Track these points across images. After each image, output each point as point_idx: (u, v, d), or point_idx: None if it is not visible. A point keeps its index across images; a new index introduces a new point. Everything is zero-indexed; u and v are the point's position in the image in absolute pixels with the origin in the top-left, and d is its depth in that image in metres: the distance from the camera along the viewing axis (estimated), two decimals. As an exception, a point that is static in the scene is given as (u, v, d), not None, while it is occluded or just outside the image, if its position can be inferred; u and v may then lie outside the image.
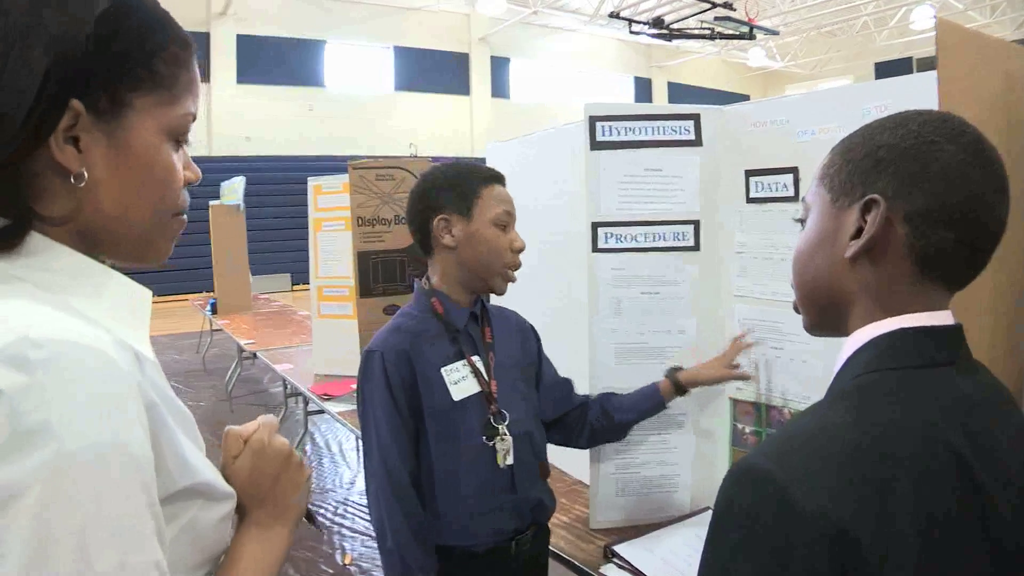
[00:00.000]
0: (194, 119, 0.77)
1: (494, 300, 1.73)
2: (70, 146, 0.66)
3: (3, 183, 0.64)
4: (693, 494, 1.95)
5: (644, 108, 1.86)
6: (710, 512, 1.83)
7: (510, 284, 1.59)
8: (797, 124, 1.70)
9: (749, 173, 1.82)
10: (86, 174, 0.67)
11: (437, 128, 16.00)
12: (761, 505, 0.67)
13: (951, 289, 0.79)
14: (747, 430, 1.88)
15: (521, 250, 1.57)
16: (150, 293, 0.75)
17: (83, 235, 0.69)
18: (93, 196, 0.68)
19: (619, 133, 1.83)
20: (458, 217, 1.55)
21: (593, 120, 1.83)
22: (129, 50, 0.68)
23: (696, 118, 1.86)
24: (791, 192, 1.73)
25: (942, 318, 0.77)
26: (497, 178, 1.60)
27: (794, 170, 1.72)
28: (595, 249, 1.84)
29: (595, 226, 1.84)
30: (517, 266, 1.59)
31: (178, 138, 0.75)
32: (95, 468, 0.57)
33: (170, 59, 0.72)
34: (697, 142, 1.86)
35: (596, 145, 1.83)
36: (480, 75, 16.77)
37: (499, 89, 17.07)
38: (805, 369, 1.73)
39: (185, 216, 0.79)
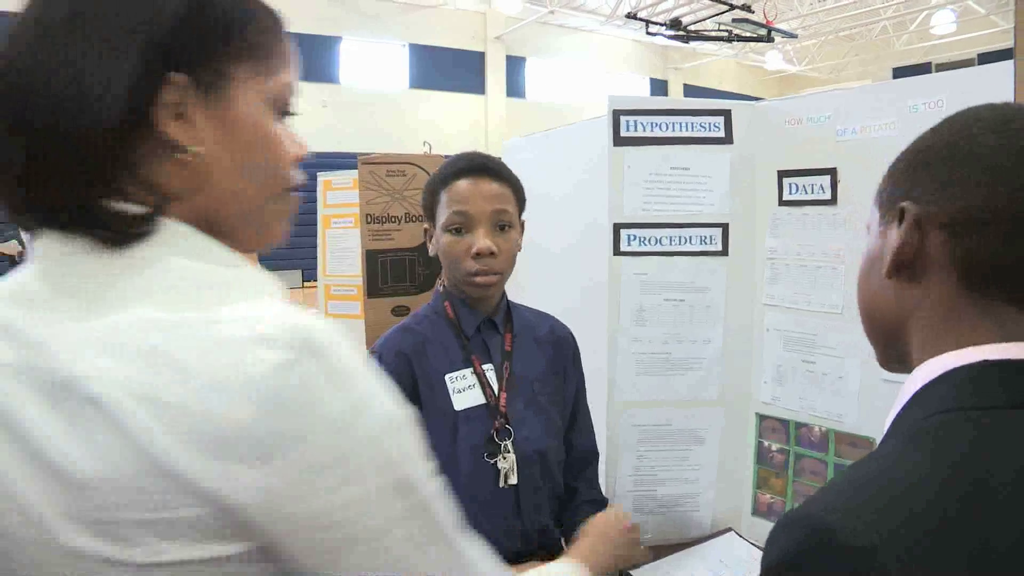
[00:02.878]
0: (294, 91, 0.76)
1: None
2: (180, 121, 0.64)
3: (122, 166, 0.63)
4: (715, 514, 1.85)
5: (672, 103, 1.77)
6: (733, 534, 1.81)
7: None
8: (837, 122, 1.60)
9: (782, 174, 1.72)
10: (198, 149, 0.65)
11: (452, 126, 15.89)
12: (820, 572, 0.55)
13: None
14: (774, 447, 1.78)
15: (483, 253, 1.42)
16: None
17: (200, 220, 0.68)
18: (206, 173, 0.67)
19: (644, 128, 1.74)
20: (431, 224, 1.47)
21: (617, 114, 1.73)
22: (221, 19, 0.68)
23: (727, 114, 1.76)
24: (828, 195, 1.63)
25: None
26: (458, 173, 1.45)
27: (832, 171, 1.62)
28: (617, 252, 1.74)
29: (617, 227, 1.74)
30: (481, 272, 1.43)
31: (283, 110, 0.74)
32: (402, 425, 0.65)
33: (262, 28, 0.71)
34: (728, 140, 1.76)
35: (620, 141, 1.73)
36: (495, 74, 16.60)
37: (514, 88, 16.88)
38: (840, 385, 1.63)
39: (298, 195, 0.79)
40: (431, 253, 1.49)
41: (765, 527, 1.76)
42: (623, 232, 1.74)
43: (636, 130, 1.73)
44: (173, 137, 0.64)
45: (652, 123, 1.74)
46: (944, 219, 0.67)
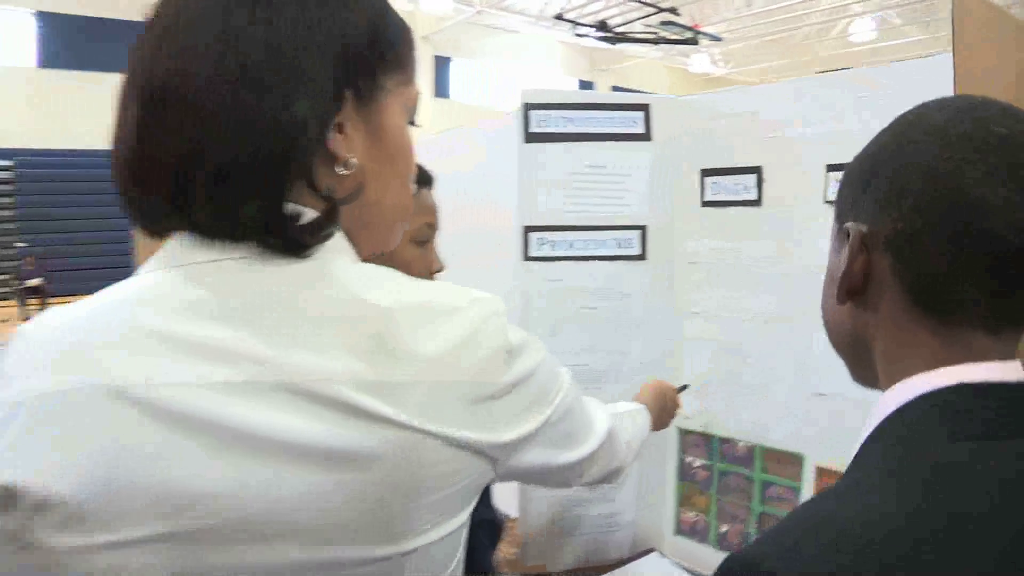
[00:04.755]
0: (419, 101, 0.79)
1: None
2: (340, 133, 0.66)
3: (303, 178, 0.64)
4: (636, 535, 1.76)
5: (588, 96, 1.68)
6: (656, 555, 1.71)
7: None
8: (764, 118, 1.52)
9: (705, 173, 1.63)
10: (354, 159, 0.67)
11: None
12: None
13: (998, 330, 0.58)
14: (696, 463, 1.71)
15: (438, 273, 1.36)
16: None
17: (345, 229, 0.70)
18: (361, 182, 0.69)
19: (558, 124, 1.63)
20: None
21: (528, 108, 1.62)
22: (391, 33, 0.71)
23: (646, 109, 1.66)
24: (753, 195, 1.55)
25: (1012, 370, 0.56)
26: (424, 181, 1.37)
27: (757, 170, 1.54)
28: (527, 257, 1.63)
29: (527, 230, 1.63)
30: None
31: (412, 119, 0.76)
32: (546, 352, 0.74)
33: (407, 39, 0.74)
34: (647, 136, 1.66)
35: (531, 137, 1.62)
36: (423, 74, 16.22)
37: (441, 89, 16.96)
38: (768, 397, 1.55)
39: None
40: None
41: (689, 546, 1.71)
42: (533, 235, 1.63)
43: (549, 125, 1.62)
44: (333, 149, 0.65)
45: (566, 118, 1.63)
46: (889, 239, 0.60)
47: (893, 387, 0.61)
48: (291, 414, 0.57)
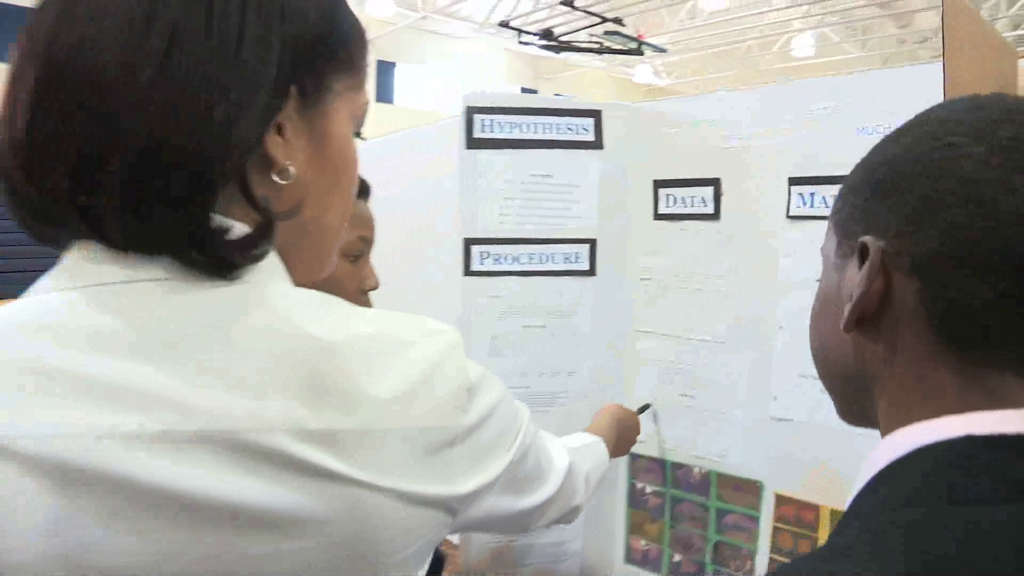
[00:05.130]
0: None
1: None
2: (278, 135, 0.57)
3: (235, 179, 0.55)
4: (585, 564, 1.69)
5: (535, 100, 1.60)
6: None
7: None
8: (723, 127, 1.45)
9: (659, 184, 1.56)
10: (292, 168, 0.58)
11: None
12: None
13: None
14: (648, 490, 1.64)
15: (372, 290, 1.28)
16: None
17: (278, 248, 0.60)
18: (299, 195, 0.60)
19: (503, 129, 1.54)
20: None
21: (471, 111, 1.53)
22: (344, 30, 0.63)
23: (597, 115, 1.58)
24: (710, 208, 1.48)
25: None
26: (359, 191, 1.26)
27: (715, 182, 1.47)
28: (468, 272, 1.55)
29: (468, 243, 1.54)
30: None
31: (357, 130, 0.68)
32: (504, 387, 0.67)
33: (359, 38, 0.66)
34: (597, 144, 1.59)
35: (473, 143, 1.53)
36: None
37: (383, 94, 17.03)
38: (723, 421, 1.49)
39: None
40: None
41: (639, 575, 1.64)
42: (475, 249, 1.55)
43: (493, 131, 1.53)
44: (272, 153, 0.56)
45: (511, 123, 1.55)
46: (919, 262, 0.50)
47: (892, 433, 0.52)
48: (219, 471, 0.49)
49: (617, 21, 12.39)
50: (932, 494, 0.46)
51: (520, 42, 13.49)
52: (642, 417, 1.51)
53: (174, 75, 0.50)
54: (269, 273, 0.57)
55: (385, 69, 17.03)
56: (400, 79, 17.39)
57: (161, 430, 0.48)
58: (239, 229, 0.55)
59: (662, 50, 14.29)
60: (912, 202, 0.51)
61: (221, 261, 0.53)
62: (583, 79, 20.22)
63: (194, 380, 0.49)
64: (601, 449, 1.18)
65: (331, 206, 0.64)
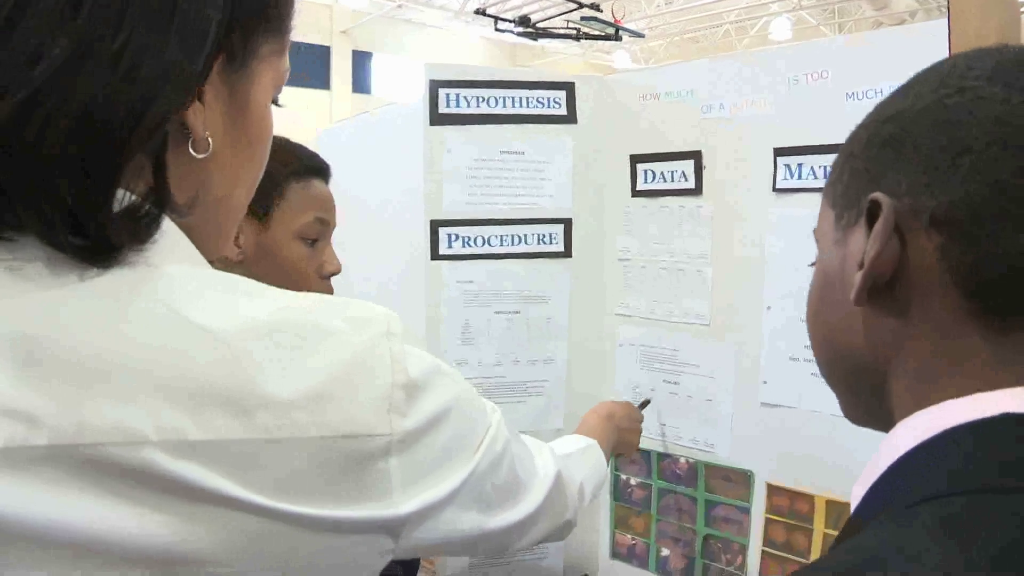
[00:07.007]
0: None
1: None
2: (198, 101, 0.50)
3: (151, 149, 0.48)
4: (568, 559, 1.65)
5: (503, 73, 1.56)
6: None
7: None
8: (703, 97, 1.42)
9: (636, 159, 1.52)
10: (209, 137, 0.51)
11: (293, 122, 15.91)
12: None
13: None
14: (633, 482, 1.60)
15: (333, 274, 1.22)
16: None
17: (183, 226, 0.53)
18: (210, 168, 0.53)
19: (469, 104, 1.48)
20: (249, 220, 1.15)
21: (435, 85, 1.47)
22: None
23: (569, 88, 1.54)
24: (691, 183, 1.44)
25: None
26: (316, 170, 1.22)
27: (696, 155, 1.43)
28: (435, 256, 1.50)
29: (435, 225, 1.49)
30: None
31: (276, 99, 0.62)
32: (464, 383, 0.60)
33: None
34: (571, 119, 1.54)
35: (437, 119, 1.47)
36: (341, 69, 16.89)
37: (361, 84, 17.21)
38: (709, 409, 1.45)
39: None
40: (233, 257, 1.17)
41: (627, 571, 1.61)
42: (442, 231, 1.50)
43: (459, 105, 1.48)
44: (190, 123, 0.50)
45: (478, 97, 1.49)
46: (939, 214, 0.45)
47: (912, 416, 0.47)
48: (77, 495, 0.40)
49: (594, 6, 12.49)
50: (969, 482, 0.41)
51: (497, 29, 13.58)
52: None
53: (95, 22, 0.43)
54: (164, 255, 0.49)
55: (362, 59, 17.20)
56: (377, 69, 17.56)
57: (4, 445, 0.39)
58: (142, 204, 0.48)
59: (640, 35, 14.44)
60: (927, 152, 0.46)
61: (103, 243, 0.45)
62: (561, 66, 20.63)
63: (48, 385, 0.41)
64: (596, 453, 1.09)
65: (240, 182, 0.58)
